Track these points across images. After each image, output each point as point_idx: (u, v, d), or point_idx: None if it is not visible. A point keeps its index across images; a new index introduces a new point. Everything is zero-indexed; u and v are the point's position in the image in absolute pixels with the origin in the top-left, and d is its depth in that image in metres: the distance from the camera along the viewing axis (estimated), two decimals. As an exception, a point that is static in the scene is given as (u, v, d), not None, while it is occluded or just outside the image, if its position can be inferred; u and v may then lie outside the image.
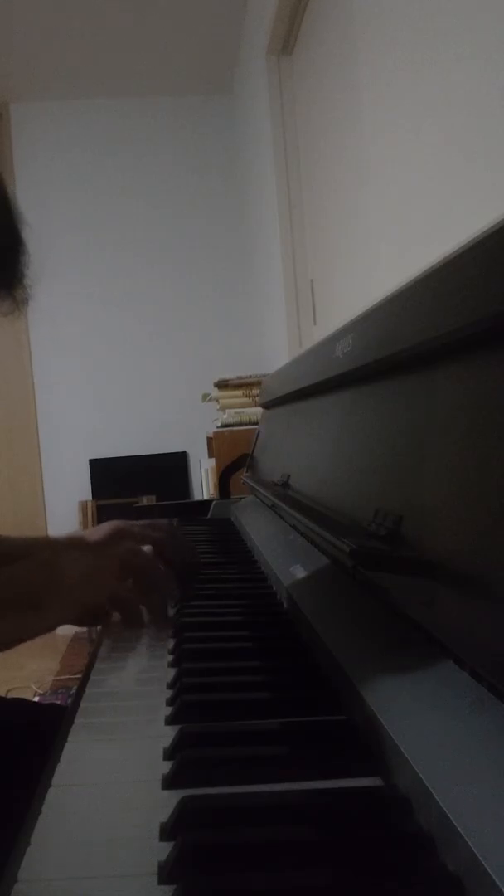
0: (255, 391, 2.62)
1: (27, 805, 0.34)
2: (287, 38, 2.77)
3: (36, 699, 2.42)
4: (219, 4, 3.28)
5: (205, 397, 3.07)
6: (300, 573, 0.65)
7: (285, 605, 0.64)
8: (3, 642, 0.56)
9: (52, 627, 0.57)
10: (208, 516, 1.34)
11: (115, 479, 4.08)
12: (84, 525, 4.03)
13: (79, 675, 0.54)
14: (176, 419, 4.12)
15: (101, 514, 4.02)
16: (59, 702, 2.33)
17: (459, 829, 0.26)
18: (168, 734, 0.40)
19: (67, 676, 2.89)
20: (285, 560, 0.73)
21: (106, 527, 0.76)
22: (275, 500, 0.83)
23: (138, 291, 4.14)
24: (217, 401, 2.77)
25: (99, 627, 0.66)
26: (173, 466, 4.14)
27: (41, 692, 2.62)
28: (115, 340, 4.14)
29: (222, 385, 2.75)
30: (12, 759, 0.61)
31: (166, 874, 0.28)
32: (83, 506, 4.08)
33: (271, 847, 0.29)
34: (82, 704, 0.47)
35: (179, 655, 0.54)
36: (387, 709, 0.36)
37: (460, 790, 0.28)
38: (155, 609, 0.65)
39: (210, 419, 3.04)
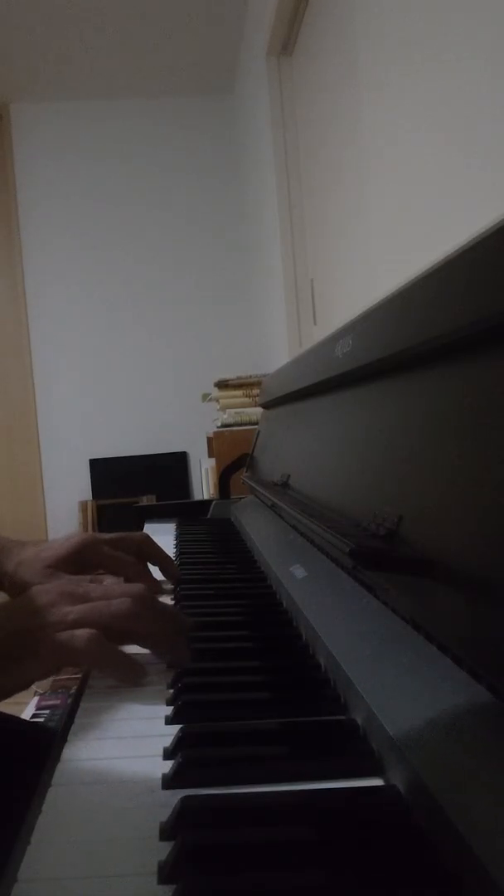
0: (255, 391, 2.62)
1: (27, 805, 0.34)
2: (287, 39, 2.77)
3: (36, 698, 2.43)
4: (219, 5, 3.29)
5: (205, 397, 3.07)
6: (300, 573, 0.65)
7: (285, 605, 0.64)
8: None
9: (46, 676, 0.48)
10: (208, 516, 1.34)
11: (115, 478, 4.08)
12: (84, 525, 4.03)
13: (78, 675, 0.53)
14: (176, 419, 4.12)
15: (102, 514, 4.03)
16: (58, 701, 2.33)
17: (461, 829, 0.26)
18: (168, 734, 0.40)
19: (67, 676, 2.88)
20: (285, 560, 0.72)
21: (73, 543, 0.67)
22: (274, 499, 0.83)
23: (138, 291, 4.14)
24: (217, 401, 2.77)
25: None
26: (173, 466, 4.14)
27: (41, 692, 2.62)
28: (115, 340, 4.14)
29: (222, 385, 2.75)
30: (12, 760, 0.61)
31: (166, 874, 0.28)
32: (83, 506, 4.08)
33: (271, 847, 0.29)
34: (82, 704, 0.47)
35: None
36: (386, 708, 0.36)
37: (461, 790, 0.28)
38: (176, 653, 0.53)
39: (210, 419, 3.04)
